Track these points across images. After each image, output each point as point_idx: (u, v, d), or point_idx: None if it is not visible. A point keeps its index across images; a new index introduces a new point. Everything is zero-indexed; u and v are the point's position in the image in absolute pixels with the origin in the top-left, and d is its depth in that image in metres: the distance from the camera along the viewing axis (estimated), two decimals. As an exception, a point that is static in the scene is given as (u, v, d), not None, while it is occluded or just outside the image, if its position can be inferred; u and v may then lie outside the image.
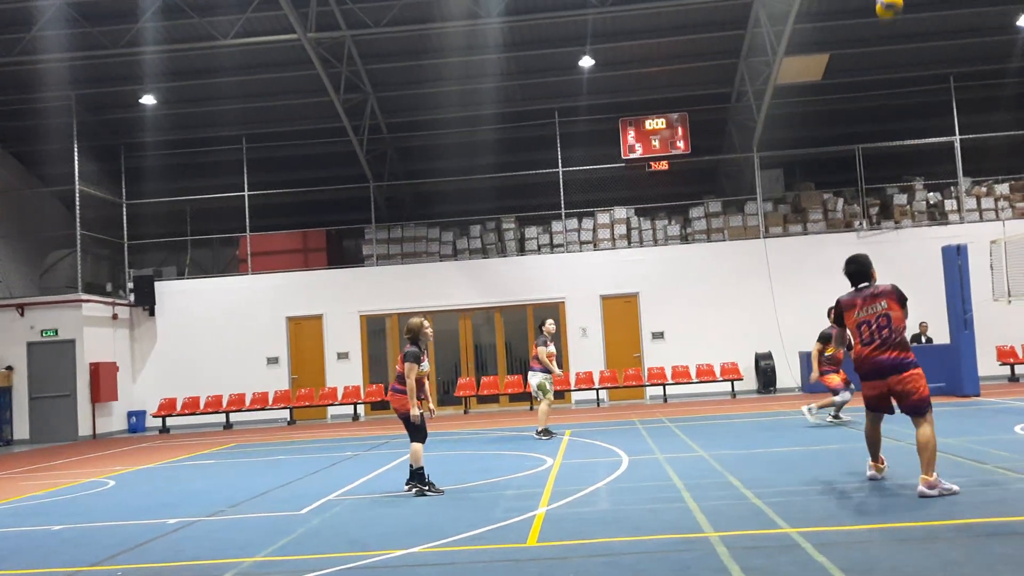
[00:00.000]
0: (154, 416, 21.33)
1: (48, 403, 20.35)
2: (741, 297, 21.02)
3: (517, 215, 22.98)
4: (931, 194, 22.15)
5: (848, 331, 7.45)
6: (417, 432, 8.67)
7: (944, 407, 13.91)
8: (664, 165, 21.87)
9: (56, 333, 20.52)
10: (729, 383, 20.50)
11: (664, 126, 21.60)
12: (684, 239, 22.40)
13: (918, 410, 6.99)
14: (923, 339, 18.72)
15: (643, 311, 21.47)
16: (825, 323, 11.80)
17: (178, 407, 21.28)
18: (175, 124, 22.80)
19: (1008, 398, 15.64)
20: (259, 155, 23.19)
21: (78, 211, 21.16)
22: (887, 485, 7.58)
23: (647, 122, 21.64)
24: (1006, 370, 19.90)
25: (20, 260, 23.20)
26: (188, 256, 24.74)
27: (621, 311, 21.58)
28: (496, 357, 22.19)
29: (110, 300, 21.87)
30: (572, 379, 20.77)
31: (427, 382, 8.97)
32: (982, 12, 20.27)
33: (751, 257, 21.28)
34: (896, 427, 9.65)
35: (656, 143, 21.61)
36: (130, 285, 22.60)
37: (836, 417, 12.87)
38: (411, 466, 8.75)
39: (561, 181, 22.31)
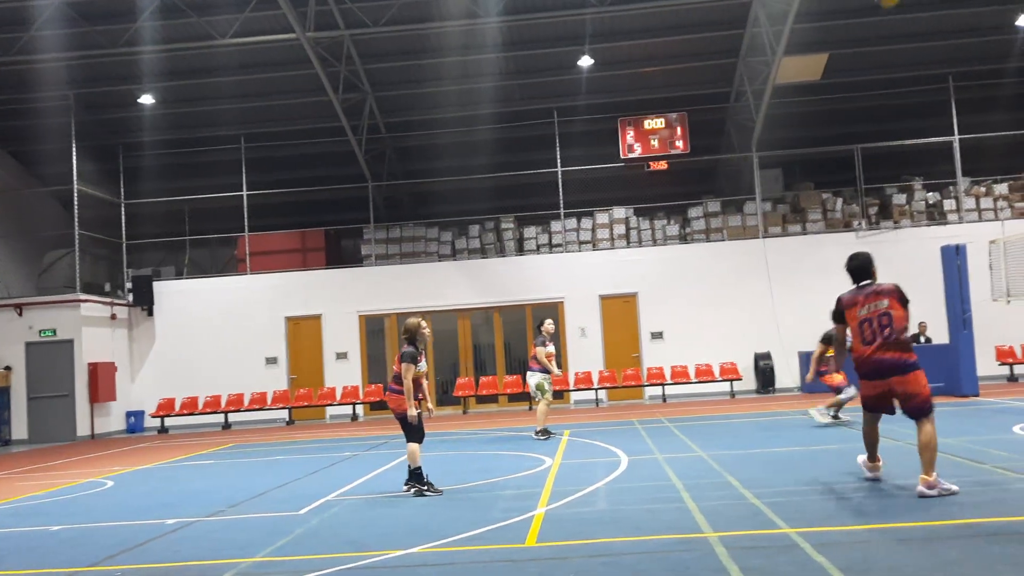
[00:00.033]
0: (152, 416, 21.32)
1: (46, 403, 20.33)
2: (740, 297, 21.02)
3: (516, 215, 22.97)
4: (930, 194, 22.16)
5: (848, 330, 7.40)
6: (414, 432, 8.67)
7: (943, 407, 13.87)
8: (663, 165, 21.86)
9: (54, 333, 20.50)
10: (728, 383, 20.50)
11: (663, 126, 21.60)
12: (683, 239, 22.40)
13: (922, 412, 6.97)
14: (922, 339, 18.71)
15: (642, 311, 21.47)
16: (825, 323, 11.80)
17: (176, 407, 21.26)
18: (173, 124, 22.78)
19: (1007, 398, 15.65)
20: (258, 155, 23.18)
21: (76, 211, 21.14)
22: (886, 485, 7.57)
23: (646, 122, 21.64)
24: (1005, 370, 19.91)
25: (18, 260, 23.18)
26: (186, 256, 24.72)
27: (620, 311, 21.57)
28: (495, 357, 22.19)
29: (108, 300, 21.85)
30: (571, 379, 20.77)
31: (425, 382, 8.96)
32: (980, 12, 20.29)
33: (750, 257, 21.28)
34: (896, 427, 9.65)
35: (655, 143, 21.60)
36: (128, 285, 22.57)
37: (835, 417, 12.88)
38: (409, 466, 8.75)
39: (560, 181, 22.30)
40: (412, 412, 8.58)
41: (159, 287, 22.34)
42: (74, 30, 18.95)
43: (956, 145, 21.57)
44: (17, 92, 21.02)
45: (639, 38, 20.65)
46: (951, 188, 22.02)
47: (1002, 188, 21.75)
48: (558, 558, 5.81)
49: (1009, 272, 17.37)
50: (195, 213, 24.15)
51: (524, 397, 20.63)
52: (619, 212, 22.40)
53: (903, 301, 7.15)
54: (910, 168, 22.62)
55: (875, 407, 7.35)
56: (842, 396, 12.56)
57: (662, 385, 20.74)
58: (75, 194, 21.18)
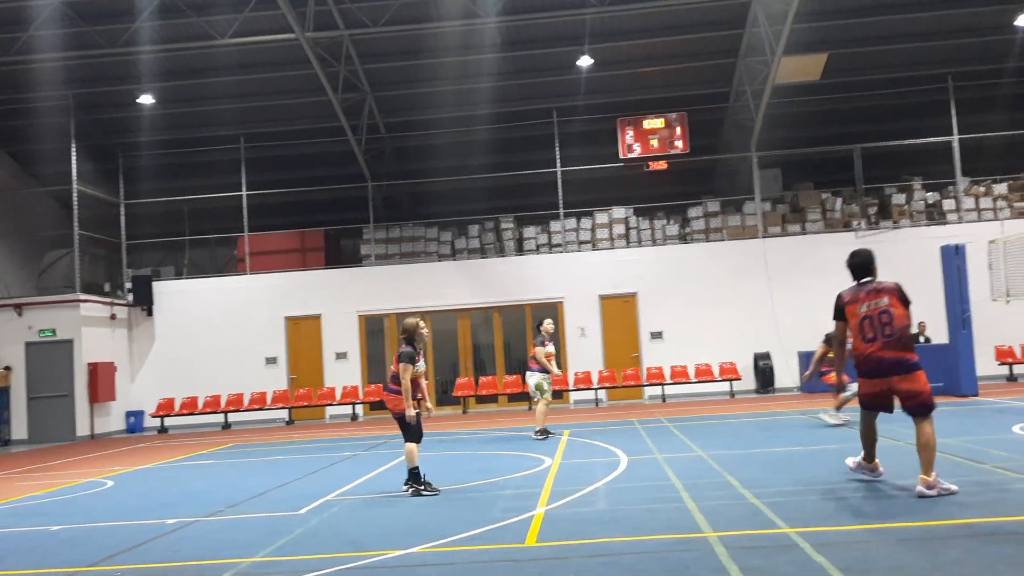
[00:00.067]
0: (152, 416, 21.32)
1: (46, 403, 20.32)
2: (739, 297, 21.02)
3: (515, 215, 22.97)
4: (929, 194, 22.16)
5: (848, 328, 7.35)
6: (412, 432, 8.67)
7: (942, 407, 13.83)
8: (662, 165, 21.86)
9: (54, 333, 20.50)
10: (727, 383, 20.50)
11: (662, 126, 21.60)
12: (682, 239, 22.40)
13: (924, 410, 6.96)
14: (921, 339, 18.72)
15: (641, 311, 21.47)
16: (825, 323, 11.78)
17: (176, 407, 21.26)
18: (172, 124, 22.77)
19: (1006, 398, 15.66)
20: (257, 155, 23.18)
21: (76, 211, 21.14)
22: (885, 485, 7.57)
23: (645, 122, 21.63)
24: (1004, 370, 19.91)
25: (17, 260, 23.18)
26: (186, 256, 24.72)
27: (619, 311, 21.58)
28: (495, 357, 22.19)
29: (108, 300, 21.85)
30: (571, 379, 20.78)
31: (423, 382, 8.96)
32: (979, 12, 20.29)
33: (749, 257, 21.29)
34: (896, 427, 9.65)
35: (654, 143, 21.60)
36: (128, 285, 22.57)
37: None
38: (414, 466, 8.76)
39: (559, 181, 22.31)
40: (410, 412, 8.58)
41: (159, 287, 22.34)
42: (73, 30, 18.95)
43: (955, 145, 21.58)
44: (16, 92, 21.01)
45: (638, 38, 20.65)
46: (950, 188, 22.03)
47: (1001, 188, 21.76)
48: (558, 558, 5.82)
49: (1008, 272, 17.38)
50: (194, 213, 24.14)
51: (524, 397, 20.63)
52: (618, 212, 22.40)
53: (904, 301, 7.13)
54: (909, 168, 22.63)
55: (874, 406, 7.32)
56: (847, 393, 12.51)
57: (662, 385, 20.75)
58: (74, 194, 21.18)
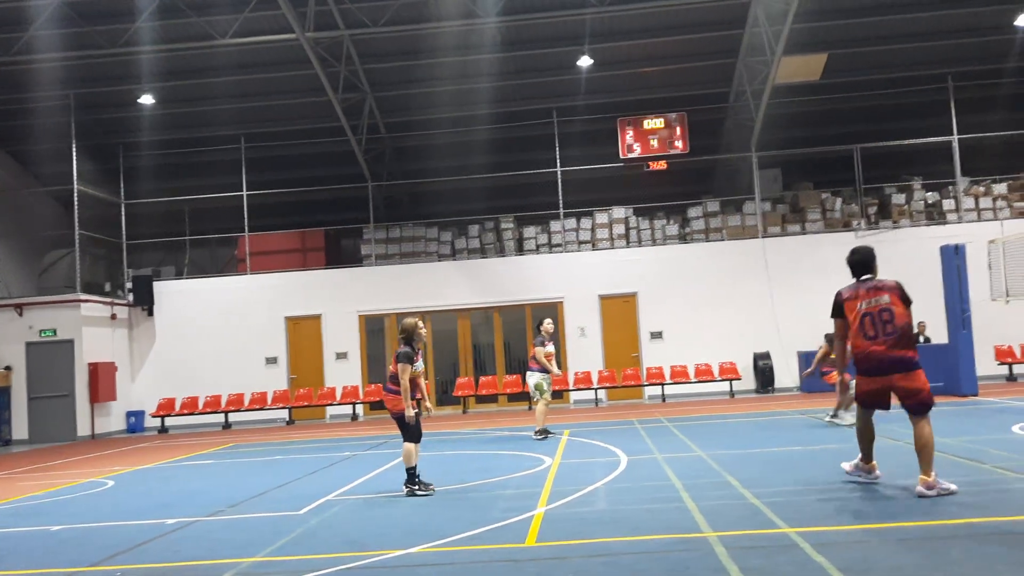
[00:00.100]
0: (153, 416, 21.33)
1: (47, 403, 20.33)
2: (739, 297, 21.03)
3: (515, 215, 22.98)
4: (929, 194, 22.17)
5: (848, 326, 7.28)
6: (410, 432, 8.68)
7: (942, 407, 13.88)
8: (662, 165, 21.87)
9: (55, 333, 20.51)
10: (727, 383, 20.51)
11: (662, 126, 21.61)
12: (682, 239, 22.40)
13: (924, 408, 6.96)
14: (921, 339, 18.72)
15: (641, 311, 21.47)
16: (825, 323, 11.77)
17: (177, 407, 21.27)
18: (173, 124, 22.78)
19: (1006, 398, 15.66)
20: (257, 155, 23.18)
21: (76, 211, 21.14)
22: (885, 485, 7.57)
23: (645, 122, 21.65)
24: (1004, 370, 19.92)
25: (18, 260, 23.19)
26: (186, 256, 24.73)
27: (619, 311, 21.58)
28: (495, 357, 22.19)
29: (108, 300, 21.86)
30: (570, 379, 20.78)
31: (422, 381, 8.97)
32: (979, 12, 20.29)
33: (749, 257, 21.29)
34: (895, 427, 9.67)
35: (654, 143, 21.61)
36: (128, 285, 22.58)
37: (834, 417, 12.89)
38: (405, 466, 8.77)
39: (559, 181, 22.31)
40: (410, 412, 8.59)
41: (159, 287, 22.35)
42: (73, 30, 18.95)
43: (955, 145, 21.58)
44: (16, 92, 21.03)
45: (638, 38, 20.65)
46: (950, 188, 22.03)
47: (1001, 188, 21.76)
48: (557, 558, 5.82)
49: (1008, 272, 17.39)
50: (195, 213, 24.15)
51: (524, 397, 20.63)
52: (618, 212, 22.40)
53: (905, 300, 7.11)
54: (909, 168, 22.63)
55: (872, 403, 7.30)
56: (852, 392, 12.47)
57: (661, 385, 20.75)
58: (75, 194, 21.18)
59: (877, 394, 7.18)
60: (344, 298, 22.06)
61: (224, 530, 7.61)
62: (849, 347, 7.32)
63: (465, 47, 20.36)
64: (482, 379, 21.54)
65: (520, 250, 22.63)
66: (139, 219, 23.71)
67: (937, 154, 22.13)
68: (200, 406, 21.31)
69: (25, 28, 18.63)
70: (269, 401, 21.40)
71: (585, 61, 20.83)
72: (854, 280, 7.35)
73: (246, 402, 21.38)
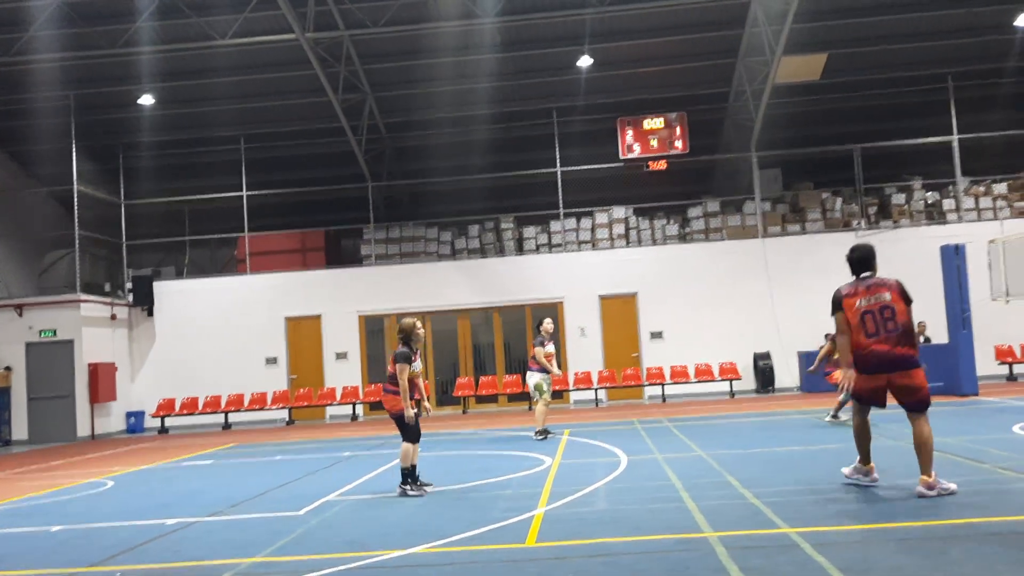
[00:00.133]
0: (153, 416, 21.33)
1: (46, 403, 20.33)
2: (739, 297, 21.02)
3: (515, 215, 22.98)
4: (929, 193, 22.17)
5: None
6: (409, 432, 8.67)
7: (942, 407, 13.92)
8: (662, 165, 21.87)
9: (54, 333, 20.50)
10: (727, 383, 20.50)
11: (662, 126, 21.61)
12: (682, 239, 22.40)
13: (922, 406, 6.96)
14: (922, 339, 18.72)
15: (641, 311, 21.47)
16: (825, 323, 11.77)
17: (177, 407, 21.27)
18: (173, 124, 22.78)
19: (1006, 397, 15.66)
20: (257, 155, 23.18)
21: (76, 211, 21.14)
22: (885, 485, 7.57)
23: (645, 122, 21.65)
24: (1004, 369, 19.92)
25: (18, 260, 23.19)
26: (186, 256, 24.73)
27: (619, 311, 21.58)
28: (495, 357, 22.19)
29: (108, 300, 21.86)
30: (571, 379, 20.78)
31: (420, 381, 8.97)
32: (979, 12, 20.29)
33: (749, 257, 21.29)
34: (894, 427, 9.67)
35: (654, 143, 21.61)
36: (128, 285, 22.58)
37: (834, 416, 12.89)
38: (401, 466, 8.76)
39: (559, 181, 22.31)
40: (409, 413, 8.58)
41: (159, 287, 22.35)
42: (73, 30, 18.95)
43: (955, 145, 21.58)
44: (16, 92, 21.02)
45: (638, 38, 20.65)
46: (950, 188, 22.03)
47: (1001, 188, 21.76)
48: (558, 558, 5.82)
49: (1008, 272, 17.38)
50: (195, 213, 24.16)
51: (524, 397, 20.61)
52: (618, 212, 22.40)
53: (906, 298, 7.10)
54: (909, 168, 22.63)
55: (868, 400, 7.30)
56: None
57: (661, 385, 20.75)
58: (75, 194, 21.18)
59: (876, 392, 7.17)
60: (344, 298, 22.07)
61: (224, 530, 7.60)
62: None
63: (465, 47, 20.36)
64: (482, 379, 21.54)
65: (520, 250, 22.63)
66: (139, 219, 23.71)
67: (937, 154, 22.13)
68: (200, 406, 21.31)
69: (25, 28, 18.63)
70: (269, 401, 21.40)
71: (585, 61, 20.83)
72: (854, 278, 7.34)
73: (246, 402, 21.39)
